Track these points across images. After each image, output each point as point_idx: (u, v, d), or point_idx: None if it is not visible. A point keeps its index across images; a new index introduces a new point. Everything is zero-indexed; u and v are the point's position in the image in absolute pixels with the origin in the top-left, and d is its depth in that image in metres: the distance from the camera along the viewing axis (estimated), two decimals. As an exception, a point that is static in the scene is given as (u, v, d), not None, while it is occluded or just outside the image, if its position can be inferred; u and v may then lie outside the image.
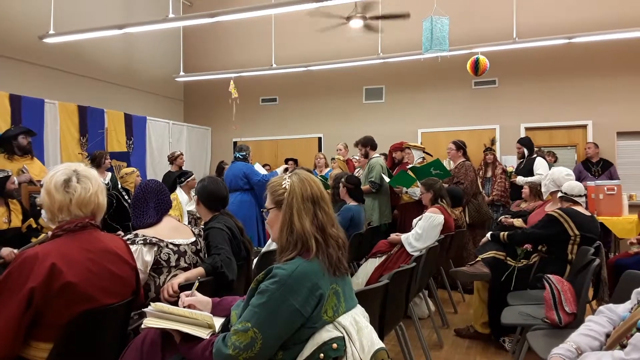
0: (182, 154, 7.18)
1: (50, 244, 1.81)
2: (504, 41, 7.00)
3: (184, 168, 6.92)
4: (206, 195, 3.01)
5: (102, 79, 8.43)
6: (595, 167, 7.03)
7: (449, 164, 6.26)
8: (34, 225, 3.90)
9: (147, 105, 9.44)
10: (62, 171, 1.87)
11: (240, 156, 5.97)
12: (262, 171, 6.09)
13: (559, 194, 3.79)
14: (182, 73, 8.83)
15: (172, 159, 7.08)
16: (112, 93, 8.63)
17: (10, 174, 3.89)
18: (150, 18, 7.06)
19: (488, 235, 3.96)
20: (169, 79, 9.51)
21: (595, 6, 7.75)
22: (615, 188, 5.74)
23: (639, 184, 7.45)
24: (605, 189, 5.76)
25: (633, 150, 7.81)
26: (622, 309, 1.74)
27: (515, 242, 3.75)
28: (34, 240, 3.70)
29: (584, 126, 8.04)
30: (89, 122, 7.41)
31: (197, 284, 2.07)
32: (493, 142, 7.66)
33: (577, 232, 3.40)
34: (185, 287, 2.27)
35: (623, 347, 1.51)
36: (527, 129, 8.30)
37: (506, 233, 3.79)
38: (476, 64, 6.53)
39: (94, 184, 1.91)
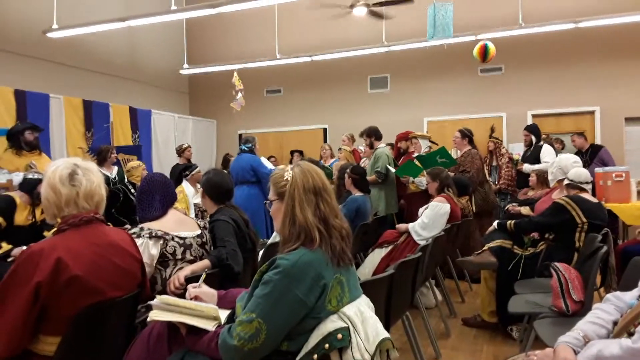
0: (189, 146, 7.18)
1: (56, 238, 1.82)
2: (510, 27, 6.93)
3: (193, 161, 6.93)
4: (211, 187, 3.02)
5: (106, 73, 8.44)
6: (584, 157, 6.81)
7: (455, 153, 6.23)
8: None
9: (152, 98, 9.45)
10: (64, 165, 1.87)
11: (246, 148, 5.92)
12: (269, 165, 6.05)
13: (566, 182, 3.76)
14: (186, 65, 8.82)
15: (180, 151, 7.08)
16: (117, 87, 8.64)
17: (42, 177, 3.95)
18: (153, 10, 7.05)
19: (495, 224, 3.94)
20: (173, 72, 9.51)
21: (602, -10, 7.65)
22: (624, 174, 5.68)
23: (648, 169, 7.38)
24: (614, 175, 5.70)
25: (641, 136, 7.73)
26: (629, 297, 1.72)
27: (522, 231, 3.73)
28: (46, 234, 3.75)
29: (592, 112, 7.96)
30: (94, 116, 7.43)
31: (204, 275, 2.08)
32: (493, 130, 7.60)
33: (584, 220, 3.37)
34: (191, 279, 2.28)
35: (630, 334, 1.50)
36: (534, 116, 8.23)
37: (513, 221, 3.77)
38: (486, 50, 6.42)
39: (97, 176, 1.93)
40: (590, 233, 3.30)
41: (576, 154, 7.02)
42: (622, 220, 5.72)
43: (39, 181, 3.78)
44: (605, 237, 3.27)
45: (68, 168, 1.87)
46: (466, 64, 8.21)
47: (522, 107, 8.29)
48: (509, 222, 3.78)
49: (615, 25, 7.11)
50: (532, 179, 5.44)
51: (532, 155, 6.37)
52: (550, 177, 4.22)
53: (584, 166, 6.69)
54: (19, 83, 6.54)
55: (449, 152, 5.52)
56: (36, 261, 1.70)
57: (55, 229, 1.89)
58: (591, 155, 6.88)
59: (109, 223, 2.09)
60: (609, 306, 1.75)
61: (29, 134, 5.13)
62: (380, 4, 6.89)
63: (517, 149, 7.57)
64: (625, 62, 7.67)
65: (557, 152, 6.51)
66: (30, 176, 3.88)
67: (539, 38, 7.77)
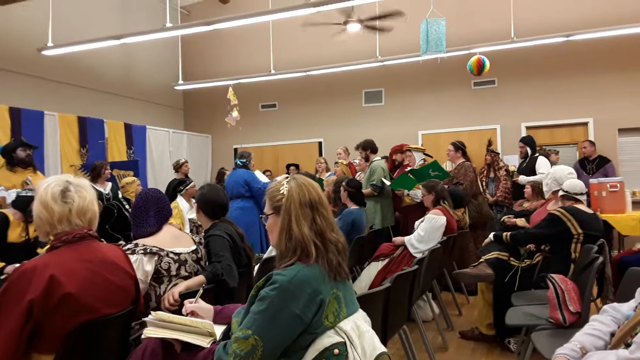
0: (186, 161, 7.18)
1: (49, 256, 1.80)
2: (502, 40, 7.00)
3: (189, 176, 6.92)
4: (205, 203, 3.01)
5: (101, 90, 8.46)
6: (590, 165, 6.97)
7: (450, 166, 6.25)
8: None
9: (146, 114, 9.46)
10: (56, 182, 1.87)
11: (240, 163, 5.94)
12: (264, 179, 6.07)
13: (560, 193, 3.77)
14: (181, 81, 8.85)
15: (177, 167, 7.07)
16: (112, 103, 8.65)
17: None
18: (148, 27, 7.08)
19: (491, 235, 3.93)
20: (168, 88, 9.53)
21: (593, 3, 7.75)
22: (618, 185, 5.72)
23: (642, 180, 7.42)
24: (608, 186, 5.74)
25: (635, 146, 7.78)
26: (626, 308, 1.72)
27: (518, 242, 3.73)
28: (39, 251, 3.73)
29: (585, 123, 8.02)
30: (89, 132, 7.42)
31: (201, 291, 2.06)
32: (490, 143, 7.65)
33: (580, 231, 3.37)
34: (186, 295, 2.26)
35: (628, 345, 1.49)
36: (527, 128, 8.28)
37: (509, 233, 3.76)
38: (483, 63, 6.46)
39: (89, 192, 1.92)
40: (586, 244, 3.31)
41: (582, 160, 7.11)
42: (617, 231, 5.74)
43: (32, 198, 3.76)
44: (601, 247, 3.27)
45: (60, 185, 1.86)
46: (460, 78, 8.28)
47: (516, 120, 8.35)
48: (504, 234, 3.78)
49: (607, 38, 7.20)
50: (528, 190, 5.46)
51: (528, 167, 6.41)
52: (545, 189, 4.24)
53: (588, 173, 6.81)
54: (14, 100, 6.53)
55: (442, 165, 5.54)
56: (29, 279, 1.68)
57: (48, 246, 1.88)
58: (598, 164, 6.96)
59: (102, 239, 2.08)
60: (606, 317, 1.74)
61: (21, 150, 5.12)
62: (373, 19, 6.93)
63: (512, 161, 7.61)
64: (617, 74, 7.74)
65: (554, 163, 6.55)
66: (23, 193, 3.86)
67: (531, 51, 7.85)
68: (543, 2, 7.99)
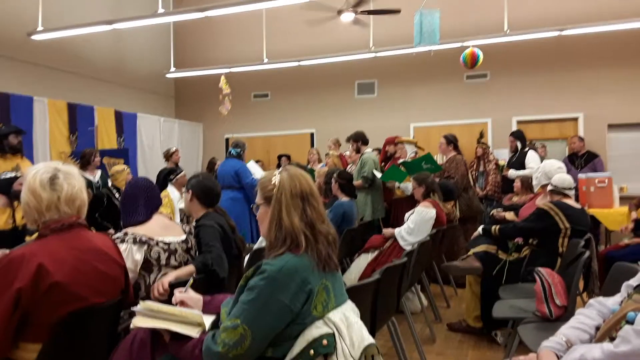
0: (177, 150, 7.10)
1: (37, 244, 1.79)
2: (496, 34, 7.01)
3: (179, 164, 6.86)
4: (202, 190, 2.94)
5: (91, 76, 8.37)
6: (579, 160, 7.04)
7: (442, 159, 6.27)
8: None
9: (137, 101, 9.38)
10: (44, 169, 1.85)
11: (234, 153, 5.89)
12: (257, 169, 6.03)
13: (549, 188, 3.79)
14: (172, 69, 8.77)
15: (168, 155, 6.99)
16: (102, 90, 8.56)
17: (19, 175, 3.86)
18: (140, 13, 7.00)
19: (480, 229, 3.96)
20: (159, 75, 9.44)
21: (586, -1, 7.78)
22: (606, 180, 5.78)
23: (630, 176, 7.49)
24: (596, 181, 5.79)
25: (624, 142, 7.85)
26: (611, 302, 1.74)
27: (507, 236, 3.76)
28: (28, 239, 3.68)
29: (575, 119, 8.07)
30: (79, 119, 7.35)
31: (191, 281, 2.05)
32: (481, 135, 7.69)
33: (567, 225, 3.40)
34: (175, 285, 2.26)
35: (612, 339, 1.51)
36: (518, 122, 8.33)
37: (498, 227, 3.79)
38: (477, 57, 6.46)
39: (78, 180, 1.90)
40: (573, 238, 3.34)
41: (571, 155, 7.17)
42: (604, 226, 5.80)
43: (14, 179, 3.71)
44: (588, 242, 3.30)
45: (48, 172, 1.84)
46: (452, 71, 8.29)
47: (507, 113, 8.39)
48: (493, 227, 3.81)
49: (598, 33, 7.23)
50: (517, 184, 5.50)
51: (518, 161, 6.45)
52: (534, 183, 4.26)
53: (576, 168, 6.87)
54: (2, 85, 6.45)
55: (434, 158, 5.55)
56: (17, 267, 1.67)
57: (36, 234, 1.86)
58: (586, 159, 7.02)
59: (92, 228, 2.07)
60: (592, 311, 1.76)
61: (13, 137, 5.04)
62: (369, 12, 6.91)
63: (502, 155, 7.65)
64: (608, 70, 7.79)
65: (542, 157, 6.59)
66: (2, 176, 3.77)
67: (524, 45, 7.86)
68: (537, -3, 8.01)
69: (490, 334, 3.85)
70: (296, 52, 8.78)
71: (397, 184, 5.61)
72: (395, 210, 5.73)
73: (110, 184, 5.34)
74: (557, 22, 7.35)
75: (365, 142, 5.88)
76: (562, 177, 3.73)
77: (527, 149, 6.57)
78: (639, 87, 7.64)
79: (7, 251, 3.29)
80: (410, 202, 4.99)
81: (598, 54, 7.81)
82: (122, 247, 2.30)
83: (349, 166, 6.32)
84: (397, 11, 6.57)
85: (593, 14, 7.42)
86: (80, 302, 1.78)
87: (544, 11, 7.87)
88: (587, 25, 6.86)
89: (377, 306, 2.46)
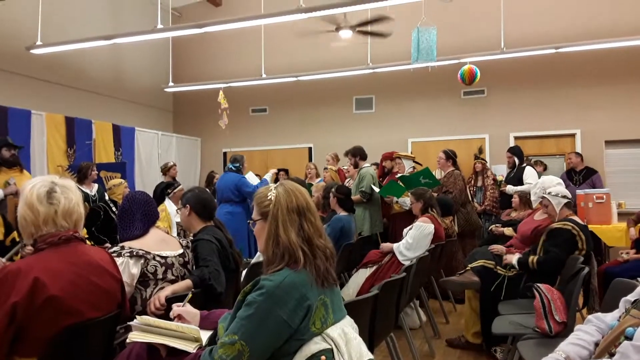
0: (175, 164, 7.11)
1: (34, 258, 1.77)
2: (493, 51, 7.07)
3: (177, 179, 6.85)
4: (200, 203, 2.93)
5: (90, 90, 8.39)
6: (577, 176, 7.06)
7: (440, 174, 6.28)
8: (17, 239, 3.84)
9: (135, 116, 9.40)
10: (41, 183, 1.84)
11: (233, 167, 5.90)
12: (255, 180, 6.03)
13: (565, 201, 3.59)
14: (171, 84, 8.81)
15: (165, 170, 6.99)
16: (100, 104, 8.58)
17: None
18: (139, 28, 7.04)
19: (514, 261, 3.57)
20: (157, 90, 9.48)
21: (582, 16, 7.86)
22: (604, 196, 5.78)
23: (628, 192, 7.51)
24: (595, 197, 5.80)
25: (621, 158, 7.88)
26: (610, 318, 1.73)
27: (549, 271, 3.38)
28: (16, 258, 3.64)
29: (573, 135, 8.11)
30: (77, 133, 7.34)
31: (190, 295, 2.04)
32: (480, 151, 7.71)
33: (584, 248, 3.30)
34: (172, 300, 2.24)
35: (611, 355, 1.50)
36: (516, 138, 8.36)
37: (535, 259, 3.44)
38: (475, 73, 6.52)
39: (75, 193, 1.89)
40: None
41: (569, 171, 7.20)
42: (603, 242, 5.79)
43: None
44: (587, 258, 3.29)
45: (45, 186, 1.83)
46: (450, 87, 8.34)
47: (505, 129, 8.42)
48: (530, 258, 3.46)
49: (595, 51, 7.30)
50: (515, 200, 5.50)
51: (516, 177, 6.46)
52: (533, 198, 4.24)
53: (574, 184, 6.88)
54: (0, 99, 6.46)
55: (433, 173, 5.56)
56: (13, 281, 1.65)
57: (18, 245, 1.85)
58: (585, 175, 7.04)
59: (89, 242, 2.05)
60: (591, 327, 1.75)
61: (5, 150, 5.04)
62: (365, 24, 6.95)
63: (500, 170, 7.67)
64: (605, 87, 7.85)
65: (539, 174, 6.61)
66: None
67: (520, 62, 7.92)
68: (533, 14, 8.09)
69: (489, 350, 3.81)
70: (294, 67, 8.83)
71: (395, 198, 5.61)
72: (394, 225, 5.72)
73: (107, 197, 5.32)
74: (554, 39, 7.42)
75: (364, 157, 5.89)
76: (562, 190, 3.65)
77: (524, 164, 6.59)
78: (636, 104, 7.69)
79: (3, 259, 3.28)
80: (409, 217, 4.99)
81: (594, 71, 7.88)
82: (119, 261, 2.28)
83: (346, 181, 6.33)
84: (389, 18, 6.60)
85: (589, 32, 7.50)
86: (76, 316, 1.76)
87: (540, 29, 7.96)
88: (583, 43, 6.93)
89: (375, 321, 2.44)
